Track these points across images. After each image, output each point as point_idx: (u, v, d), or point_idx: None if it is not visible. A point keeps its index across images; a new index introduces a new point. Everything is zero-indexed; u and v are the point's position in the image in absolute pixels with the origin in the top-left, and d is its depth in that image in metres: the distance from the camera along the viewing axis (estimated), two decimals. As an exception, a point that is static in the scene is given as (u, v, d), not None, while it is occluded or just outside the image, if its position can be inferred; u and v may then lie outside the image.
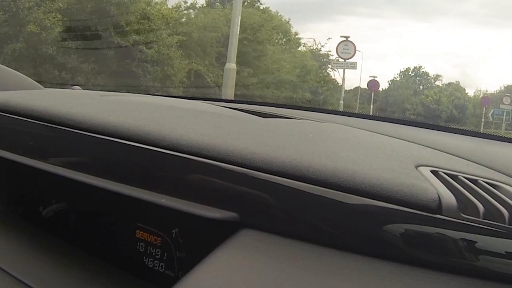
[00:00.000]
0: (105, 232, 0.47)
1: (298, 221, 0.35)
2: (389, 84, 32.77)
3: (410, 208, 0.32)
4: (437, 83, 33.08)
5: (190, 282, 0.30)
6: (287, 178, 0.35)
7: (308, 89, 15.66)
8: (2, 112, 0.54)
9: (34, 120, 0.50)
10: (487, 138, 0.86)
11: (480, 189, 0.37)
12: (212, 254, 0.33)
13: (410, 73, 33.45)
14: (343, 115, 1.01)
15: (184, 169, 0.40)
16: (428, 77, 33.47)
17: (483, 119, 21.11)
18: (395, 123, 0.99)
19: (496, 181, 0.40)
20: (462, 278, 0.30)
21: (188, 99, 1.07)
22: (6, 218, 0.55)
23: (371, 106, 23.47)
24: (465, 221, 0.31)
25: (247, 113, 0.75)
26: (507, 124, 21.07)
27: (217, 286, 0.29)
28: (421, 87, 32.50)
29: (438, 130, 0.91)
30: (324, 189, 0.34)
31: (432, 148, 0.56)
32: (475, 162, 0.49)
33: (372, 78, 20.18)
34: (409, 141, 0.60)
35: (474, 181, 0.39)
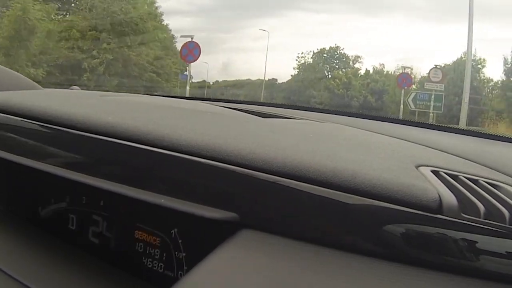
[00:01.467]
0: (104, 232, 0.47)
1: (298, 221, 0.34)
2: (298, 67, 27.01)
3: (411, 208, 0.32)
4: (357, 65, 26.98)
5: (190, 282, 0.30)
6: (287, 178, 0.35)
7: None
8: (1, 112, 0.53)
9: (33, 120, 0.50)
10: (488, 138, 0.86)
11: (481, 189, 0.37)
12: (212, 254, 0.32)
13: (325, 54, 27.14)
14: (343, 115, 1.01)
15: (184, 169, 0.40)
16: (347, 59, 27.01)
17: (401, 106, 15.37)
18: (395, 123, 0.99)
19: (497, 181, 0.40)
20: (462, 278, 0.30)
21: (188, 99, 1.07)
22: (5, 218, 0.55)
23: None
24: (465, 221, 0.31)
25: (247, 113, 0.75)
26: (440, 116, 15.14)
27: (217, 286, 0.29)
28: (340, 71, 26.12)
29: (438, 130, 0.91)
30: (324, 189, 0.34)
31: (432, 148, 0.56)
32: (475, 162, 0.49)
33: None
34: (409, 141, 0.60)
35: (475, 181, 0.39)
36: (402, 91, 16.17)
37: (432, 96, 14.76)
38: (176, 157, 0.39)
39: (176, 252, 0.41)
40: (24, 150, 0.50)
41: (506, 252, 0.31)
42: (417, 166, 0.41)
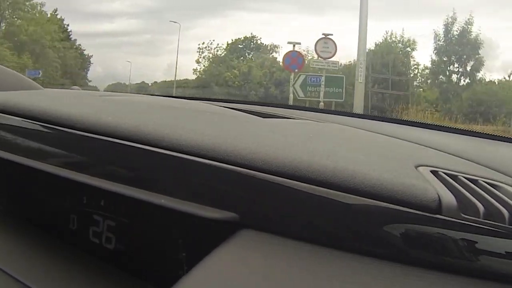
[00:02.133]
0: (104, 232, 0.47)
1: (298, 222, 0.35)
2: (210, 60, 24.54)
3: (410, 208, 0.32)
4: (274, 55, 24.51)
5: (190, 282, 0.30)
6: (287, 178, 0.35)
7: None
8: (1, 112, 0.53)
9: (33, 120, 0.50)
10: (487, 138, 0.86)
11: (480, 189, 0.37)
12: (211, 254, 0.33)
13: (239, 45, 24.74)
14: (343, 115, 1.01)
15: (184, 169, 0.40)
16: (264, 48, 24.78)
17: (291, 95, 11.87)
18: (395, 123, 0.99)
19: (496, 181, 0.40)
20: (462, 278, 0.30)
21: (188, 99, 1.07)
22: (5, 218, 0.55)
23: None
24: (465, 221, 0.31)
25: (247, 113, 0.75)
26: (339, 105, 12.04)
27: (217, 286, 0.29)
28: (241, 60, 23.46)
29: (438, 130, 0.91)
30: (324, 189, 0.34)
31: (432, 148, 0.56)
32: (475, 162, 0.49)
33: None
34: (409, 141, 0.61)
35: (474, 181, 0.39)
36: (292, 75, 12.29)
37: (323, 79, 11.44)
38: (176, 157, 0.39)
39: (176, 252, 0.42)
40: (24, 150, 0.50)
41: (506, 252, 0.31)
42: (417, 166, 0.41)
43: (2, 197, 0.57)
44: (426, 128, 0.92)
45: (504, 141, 0.83)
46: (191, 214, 0.37)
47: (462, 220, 0.31)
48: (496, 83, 20.53)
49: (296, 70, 12.12)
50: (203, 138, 0.41)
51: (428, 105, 18.77)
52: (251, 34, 25.00)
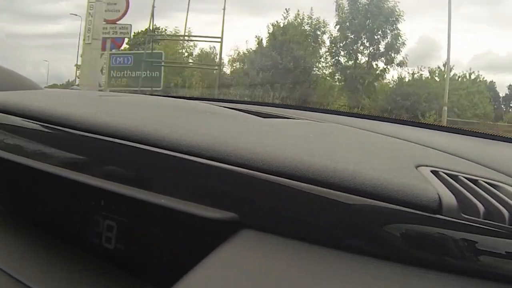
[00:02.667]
0: (104, 232, 0.47)
1: (298, 221, 0.35)
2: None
3: (411, 208, 0.32)
4: None
5: (190, 282, 0.30)
6: (287, 178, 0.35)
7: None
8: (1, 112, 0.53)
9: (33, 120, 0.50)
10: (487, 138, 0.86)
11: (480, 189, 0.37)
12: (211, 254, 0.33)
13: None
14: (343, 115, 1.01)
15: (184, 169, 0.40)
16: None
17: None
18: (395, 123, 0.99)
19: (496, 181, 0.40)
20: (462, 278, 0.30)
21: (188, 99, 1.07)
22: (5, 218, 0.55)
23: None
24: (465, 221, 0.31)
25: (247, 113, 0.75)
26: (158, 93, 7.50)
27: (217, 286, 0.29)
28: None
29: (438, 130, 0.91)
30: (324, 189, 0.34)
31: (432, 148, 0.56)
32: (475, 162, 0.49)
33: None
34: (409, 141, 0.60)
35: (474, 181, 0.39)
36: (103, 56, 8.77)
37: (131, 59, 8.41)
38: (176, 157, 0.39)
39: (176, 252, 0.41)
40: (24, 150, 0.50)
41: (506, 252, 0.31)
42: (417, 166, 0.41)
43: (2, 197, 0.57)
44: (426, 128, 0.92)
45: (504, 141, 0.83)
46: (191, 214, 0.37)
47: (462, 220, 0.31)
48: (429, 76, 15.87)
49: (114, 50, 8.50)
50: (203, 138, 0.41)
51: (333, 97, 14.68)
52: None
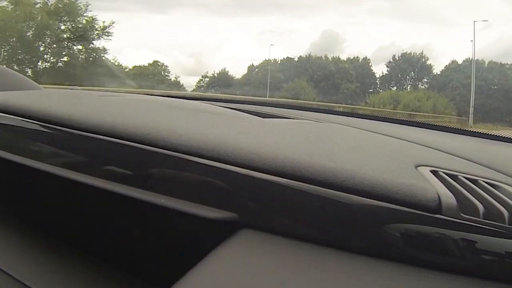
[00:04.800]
0: (104, 232, 0.47)
1: (298, 221, 0.35)
2: None
3: (410, 208, 0.32)
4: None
5: (190, 282, 0.30)
6: (286, 178, 0.35)
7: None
8: (1, 112, 0.53)
9: (33, 120, 0.50)
10: (487, 138, 0.86)
11: (480, 189, 0.37)
12: (211, 254, 0.33)
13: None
14: (343, 115, 1.01)
15: (184, 169, 0.40)
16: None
17: None
18: (395, 123, 0.99)
19: (496, 181, 0.40)
20: (462, 278, 0.30)
21: (188, 99, 1.07)
22: (5, 218, 0.55)
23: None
24: (465, 221, 0.31)
25: (247, 113, 0.75)
26: None
27: (216, 286, 0.29)
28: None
29: (438, 130, 0.91)
30: (324, 189, 0.34)
31: (432, 148, 0.56)
32: (474, 162, 0.49)
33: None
34: (409, 141, 0.61)
35: (474, 181, 0.39)
36: None
37: None
38: (176, 157, 0.39)
39: (176, 252, 0.42)
40: (24, 150, 0.50)
41: (506, 252, 0.31)
42: (417, 166, 0.41)
43: (2, 197, 0.57)
44: (427, 128, 0.93)
45: (504, 141, 0.83)
46: (191, 214, 0.37)
47: (462, 220, 0.31)
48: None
49: None
50: (203, 138, 0.41)
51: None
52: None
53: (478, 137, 0.89)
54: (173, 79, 25.93)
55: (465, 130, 0.91)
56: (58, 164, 0.46)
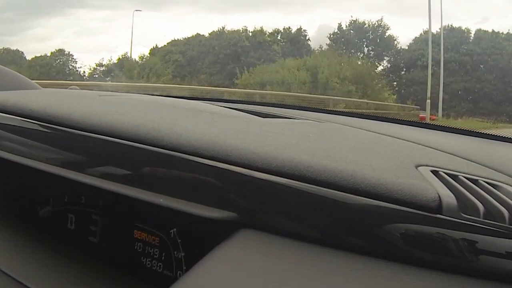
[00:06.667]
0: (103, 232, 0.47)
1: (298, 221, 0.34)
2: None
3: (410, 208, 0.32)
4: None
5: (188, 282, 0.30)
6: (286, 178, 0.35)
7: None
8: (1, 112, 0.53)
9: (33, 120, 0.50)
10: (487, 138, 0.86)
11: (481, 189, 0.37)
12: (210, 254, 0.32)
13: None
14: (343, 115, 1.01)
15: (183, 169, 0.40)
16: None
17: None
18: (395, 123, 0.99)
19: (496, 181, 0.40)
20: (462, 278, 0.30)
21: (188, 99, 1.07)
22: (5, 218, 0.55)
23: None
24: (465, 221, 0.31)
25: (247, 113, 0.75)
26: None
27: (216, 286, 0.29)
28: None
29: (438, 130, 0.91)
30: (324, 189, 0.34)
31: (432, 148, 0.56)
32: (475, 162, 0.49)
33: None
34: (409, 141, 0.60)
35: (475, 181, 0.39)
36: None
37: None
38: (175, 156, 0.39)
39: (175, 252, 0.41)
40: (24, 150, 0.50)
41: (506, 252, 0.31)
42: (417, 166, 0.41)
43: (2, 197, 0.57)
44: (427, 128, 0.92)
45: (504, 141, 0.83)
46: (191, 214, 0.37)
47: (462, 220, 0.31)
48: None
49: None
50: (203, 138, 0.41)
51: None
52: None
53: (479, 137, 0.89)
54: (86, 70, 24.03)
55: (465, 130, 0.91)
56: (58, 164, 0.46)
